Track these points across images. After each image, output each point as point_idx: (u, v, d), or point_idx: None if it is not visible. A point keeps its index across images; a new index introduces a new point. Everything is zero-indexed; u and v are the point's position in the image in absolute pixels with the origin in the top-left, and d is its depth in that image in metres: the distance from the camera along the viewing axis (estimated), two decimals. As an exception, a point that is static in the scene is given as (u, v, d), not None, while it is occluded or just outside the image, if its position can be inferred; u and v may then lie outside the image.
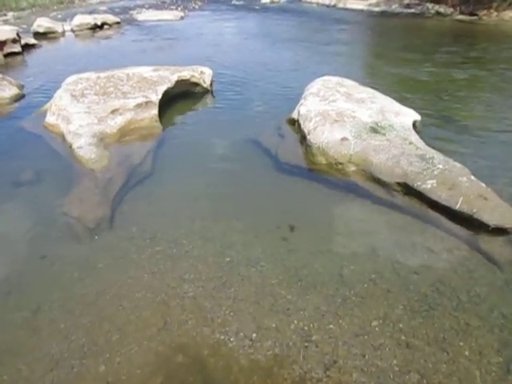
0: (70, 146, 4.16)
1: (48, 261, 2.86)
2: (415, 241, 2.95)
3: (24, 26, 14.18)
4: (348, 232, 3.05)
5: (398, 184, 3.32)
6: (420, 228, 3.08)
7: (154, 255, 2.83)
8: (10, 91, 6.24)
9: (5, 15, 18.65)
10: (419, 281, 2.59)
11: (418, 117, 4.28)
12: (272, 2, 24.29)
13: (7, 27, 12.03)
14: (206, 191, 3.65)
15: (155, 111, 4.82)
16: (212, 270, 2.69)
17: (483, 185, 3.10)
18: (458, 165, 3.33)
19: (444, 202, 3.04)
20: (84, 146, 4.04)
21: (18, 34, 10.42)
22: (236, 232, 3.06)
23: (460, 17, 14.29)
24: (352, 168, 3.60)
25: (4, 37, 9.86)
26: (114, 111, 4.58)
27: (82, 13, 16.81)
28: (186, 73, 5.75)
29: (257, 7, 22.01)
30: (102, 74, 5.39)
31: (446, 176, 3.18)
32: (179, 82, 5.58)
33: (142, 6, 22.64)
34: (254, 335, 2.23)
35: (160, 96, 5.00)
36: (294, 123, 4.52)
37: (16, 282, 2.68)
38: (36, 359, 2.16)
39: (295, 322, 2.30)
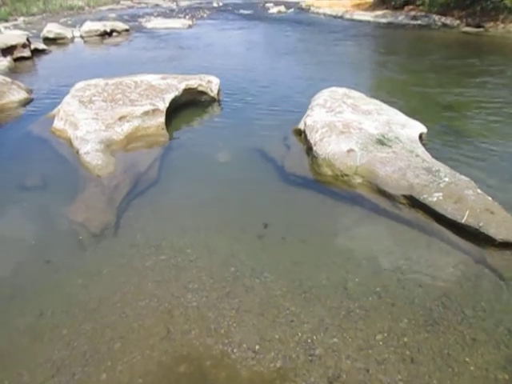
0: (77, 152, 4.18)
1: (52, 266, 2.87)
2: (420, 254, 2.93)
3: (34, 31, 14.36)
4: (353, 244, 3.03)
5: (404, 196, 3.31)
6: (425, 241, 3.06)
7: (158, 263, 2.83)
8: (19, 95, 6.30)
9: (15, 20, 18.90)
10: (424, 294, 2.57)
11: (424, 129, 4.28)
12: (279, 12, 24.51)
13: (17, 32, 12.22)
14: (211, 200, 3.65)
15: (162, 119, 4.85)
16: (216, 279, 2.68)
17: (490, 198, 3.09)
18: (465, 178, 3.32)
19: (450, 216, 3.03)
20: (91, 152, 4.06)
21: (27, 39, 10.55)
22: (240, 242, 3.05)
23: (466, 29, 14.33)
24: (358, 180, 3.60)
25: (14, 41, 9.98)
26: (121, 118, 4.61)
27: (92, 19, 16.98)
28: (193, 81, 5.78)
29: (264, 17, 22.17)
30: (111, 81, 5.44)
31: (452, 189, 3.17)
32: (186, 91, 5.61)
33: (150, 14, 22.87)
34: (258, 347, 2.21)
35: (167, 104, 5.03)
36: (300, 134, 4.53)
37: (20, 287, 2.68)
38: (38, 365, 2.15)
39: (299, 334, 2.28)
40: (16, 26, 16.72)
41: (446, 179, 3.27)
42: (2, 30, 14.32)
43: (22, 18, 19.54)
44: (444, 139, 4.74)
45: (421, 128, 4.24)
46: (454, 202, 3.06)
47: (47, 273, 2.80)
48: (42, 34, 13.36)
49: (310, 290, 2.61)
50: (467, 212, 2.96)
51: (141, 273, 2.75)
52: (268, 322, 2.37)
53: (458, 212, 3.00)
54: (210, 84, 6.04)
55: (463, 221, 2.95)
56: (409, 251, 2.96)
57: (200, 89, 5.91)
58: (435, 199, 3.12)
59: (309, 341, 2.25)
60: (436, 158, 3.68)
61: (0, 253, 3.02)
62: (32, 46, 10.70)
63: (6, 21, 18.06)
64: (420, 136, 4.13)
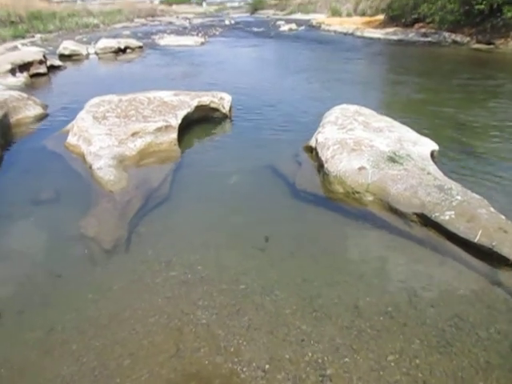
0: (90, 167, 4.24)
1: (63, 280, 2.88)
2: (433, 273, 2.89)
3: (50, 48, 14.68)
4: (364, 262, 3.01)
5: (416, 215, 3.29)
6: (438, 260, 3.02)
7: (168, 280, 2.83)
8: (35, 110, 6.43)
9: (33, 37, 19.38)
10: (436, 315, 2.53)
11: (435, 146, 4.26)
12: (290, 30, 24.83)
13: (34, 49, 12.51)
14: (222, 217, 3.66)
15: (174, 135, 4.90)
16: (226, 297, 2.67)
17: (503, 217, 3.05)
18: (477, 196, 3.29)
19: (462, 235, 2.99)
20: (103, 168, 4.10)
21: (44, 56, 10.80)
22: (251, 259, 3.05)
23: (477, 45, 14.36)
24: (369, 197, 3.59)
25: (31, 58, 10.22)
26: (134, 134, 4.67)
27: (107, 37, 17.36)
28: (205, 98, 5.85)
29: (275, 34, 22.44)
30: (124, 97, 5.52)
31: (464, 207, 3.14)
32: (199, 107, 5.68)
33: (163, 32, 23.31)
34: (267, 366, 2.19)
35: (180, 120, 5.08)
36: (311, 151, 4.54)
37: (31, 301, 2.69)
38: (47, 380, 2.15)
39: (309, 354, 2.26)
40: (33, 43, 17.14)
41: (459, 197, 3.24)
42: (20, 46, 14.67)
43: (38, 35, 20.03)
44: (456, 157, 4.71)
45: (432, 145, 4.22)
46: (466, 220, 3.03)
47: (58, 287, 2.82)
48: (57, 51, 13.68)
49: (321, 309, 2.58)
50: (480, 231, 2.93)
51: (151, 289, 2.75)
52: (278, 340, 2.35)
53: (471, 231, 2.96)
54: (222, 101, 6.10)
55: (476, 240, 2.91)
56: (420, 270, 2.93)
57: (212, 105, 5.98)
58: (447, 218, 3.09)
59: (319, 361, 2.22)
60: (448, 176, 3.66)
61: (12, 266, 3.04)
62: (48, 63, 10.94)
63: (24, 38, 18.53)
64: (432, 153, 4.11)
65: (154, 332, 2.41)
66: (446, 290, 2.73)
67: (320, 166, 4.13)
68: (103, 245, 3.15)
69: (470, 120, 6.09)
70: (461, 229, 3.01)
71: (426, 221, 3.24)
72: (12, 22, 19.89)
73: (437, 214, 3.14)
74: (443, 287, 2.76)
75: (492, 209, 3.13)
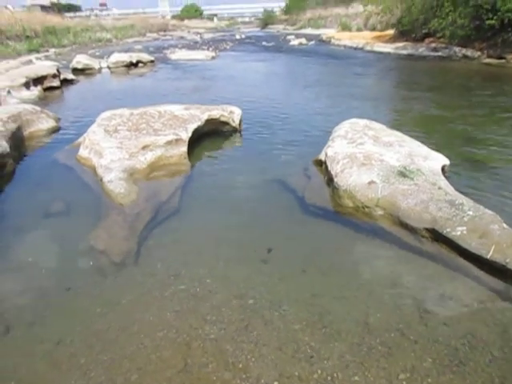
0: (101, 180, 4.27)
1: (72, 293, 2.89)
2: (444, 290, 2.85)
3: (64, 62, 14.95)
4: (374, 278, 2.98)
5: (427, 230, 3.25)
6: (449, 276, 2.98)
7: (177, 293, 2.82)
8: (48, 124, 6.53)
9: (47, 51, 19.79)
10: (449, 333, 2.48)
11: (446, 161, 4.23)
12: (300, 44, 25.07)
13: (48, 63, 12.76)
14: (231, 231, 3.65)
15: (184, 149, 4.93)
16: (235, 311, 2.65)
17: (516, 234, 3.00)
18: (489, 212, 3.25)
19: (475, 251, 2.95)
20: (114, 181, 4.13)
21: (57, 70, 11.01)
22: (260, 274, 3.03)
23: (488, 60, 14.33)
24: (379, 212, 3.56)
25: (45, 72, 10.42)
26: (144, 147, 4.70)
27: (119, 51, 17.65)
28: (215, 112, 5.89)
29: (285, 49, 22.65)
30: (135, 111, 5.59)
31: (476, 223, 3.10)
32: (209, 121, 5.72)
33: (175, 46, 23.64)
34: (276, 383, 2.16)
35: (190, 134, 5.12)
36: (321, 165, 4.54)
37: (40, 314, 2.70)
38: (55, 395, 2.14)
39: (319, 371, 2.22)
40: (47, 57, 17.49)
41: (470, 213, 3.20)
42: (34, 60, 14.97)
43: (52, 50, 20.44)
44: (467, 172, 4.68)
45: (443, 160, 4.20)
46: (478, 236, 2.99)
47: (67, 300, 2.82)
48: (71, 65, 13.94)
49: (331, 325, 2.55)
50: (493, 247, 2.88)
51: (160, 302, 2.74)
52: (287, 357, 2.32)
53: (483, 247, 2.92)
54: (232, 114, 6.14)
55: (489, 256, 2.87)
56: (432, 286, 2.89)
57: (222, 119, 6.02)
58: (459, 233, 3.05)
59: (329, 378, 2.18)
60: (459, 191, 3.63)
61: (23, 279, 3.05)
62: (61, 76, 11.15)
63: (38, 52, 18.92)
64: (443, 168, 4.09)
65: (163, 346, 2.40)
66: (458, 307, 2.69)
67: (329, 180, 4.12)
68: (113, 257, 3.16)
69: (482, 135, 6.06)
70: (473, 245, 2.97)
71: (437, 236, 3.20)
72: (27, 37, 20.35)
73: (448, 230, 3.11)
74: (455, 304, 2.72)
75: (505, 225, 3.08)
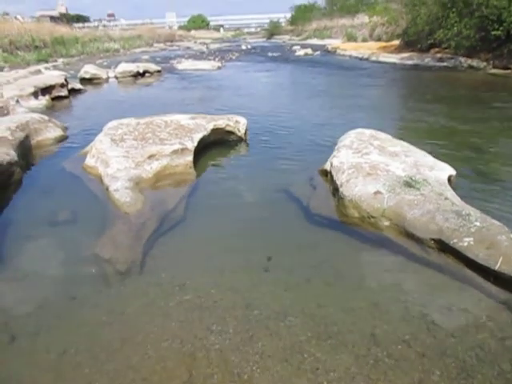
0: (107, 189, 4.29)
1: (77, 302, 2.88)
2: (451, 301, 2.82)
3: (72, 72, 15.11)
4: (380, 289, 2.95)
5: (433, 240, 3.23)
6: (456, 288, 2.95)
7: (182, 303, 2.81)
8: (55, 133, 6.58)
9: (55, 61, 20.03)
10: (456, 345, 2.45)
11: (453, 171, 4.21)
12: (306, 55, 25.20)
13: (56, 72, 12.91)
14: (236, 240, 3.65)
15: (190, 158, 4.95)
16: (240, 322, 2.64)
17: (524, 245, 2.97)
18: (497, 223, 3.22)
19: (482, 262, 2.92)
20: (120, 189, 4.15)
21: (65, 79, 11.14)
22: (265, 284, 3.01)
23: (494, 71, 14.31)
24: (385, 222, 3.54)
25: (53, 81, 10.54)
26: (150, 156, 4.73)
27: (126, 61, 17.83)
28: (221, 122, 5.92)
29: (291, 59, 22.76)
30: (142, 120, 5.62)
31: (483, 234, 3.07)
32: (214, 130, 5.74)
33: (181, 56, 23.85)
34: (281, 395, 2.14)
35: (196, 143, 5.14)
36: (326, 175, 4.53)
37: (45, 323, 2.69)
38: (59, 405, 2.13)
39: (324, 383, 2.20)
40: (55, 67, 17.70)
41: (477, 223, 3.18)
42: (43, 70, 15.14)
43: (61, 60, 20.69)
44: (474, 182, 4.65)
45: (450, 170, 4.18)
46: (486, 247, 2.97)
47: (72, 309, 2.82)
48: (79, 75, 14.09)
49: (336, 336, 2.53)
50: (501, 258, 2.86)
51: (164, 313, 2.73)
52: (292, 368, 2.30)
53: (491, 258, 2.89)
54: (238, 124, 6.16)
55: (496, 268, 2.84)
56: (439, 297, 2.86)
57: (228, 129, 6.04)
58: (466, 244, 3.03)
59: (335, 391, 2.16)
60: (466, 202, 3.60)
61: (29, 287, 3.06)
62: (69, 86, 11.27)
63: (47, 62, 19.15)
64: (449, 179, 4.07)
65: (167, 357, 2.38)
66: (465, 319, 2.65)
67: (335, 190, 4.11)
68: (118, 267, 3.16)
69: (489, 146, 6.03)
70: (480, 256, 2.94)
71: (443, 247, 3.18)
72: (36, 47, 20.61)
73: (455, 241, 3.08)
74: (463, 315, 2.69)
75: (513, 236, 3.06)
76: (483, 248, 2.97)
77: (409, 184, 3.73)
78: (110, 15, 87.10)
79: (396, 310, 2.74)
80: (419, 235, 3.29)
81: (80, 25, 47.79)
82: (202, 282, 3.04)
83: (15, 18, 28.77)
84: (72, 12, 71.97)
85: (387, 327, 2.59)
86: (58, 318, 2.74)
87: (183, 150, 4.95)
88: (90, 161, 5.03)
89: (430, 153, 4.57)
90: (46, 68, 16.57)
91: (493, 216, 3.34)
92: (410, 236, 3.36)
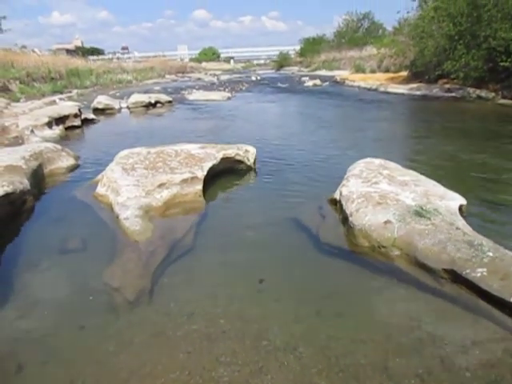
0: (117, 217, 4.31)
1: (86, 332, 2.86)
2: (466, 334, 2.75)
3: (85, 102, 15.46)
4: (392, 320, 2.90)
5: (445, 271, 3.18)
6: (471, 319, 2.88)
7: (190, 333, 2.77)
8: (67, 162, 6.70)
9: (70, 92, 20.56)
10: (472, 380, 2.37)
11: (463, 201, 4.18)
12: (315, 86, 25.58)
13: (70, 103, 13.24)
14: (245, 269, 3.62)
15: (200, 187, 4.98)
16: (249, 353, 2.59)
17: (539, 276, 2.91)
18: (510, 253, 3.17)
19: (496, 293, 2.86)
20: (130, 218, 4.18)
21: (79, 110, 11.40)
22: (274, 314, 2.97)
23: (502, 101, 14.35)
24: (396, 252, 3.51)
25: (67, 112, 10.79)
26: (160, 185, 4.77)
27: (138, 92, 18.23)
28: (230, 151, 5.98)
29: (300, 90, 23.10)
30: (152, 150, 5.70)
31: (497, 264, 3.02)
32: (224, 159, 5.80)
33: (192, 87, 24.33)
34: (291, 430, 2.08)
35: (205, 172, 5.19)
36: (335, 204, 4.52)
37: (53, 352, 2.67)
38: None
39: (335, 418, 2.14)
40: (70, 98, 18.14)
41: (490, 254, 3.13)
42: (57, 101, 15.53)
43: (75, 91, 21.22)
44: (485, 212, 4.61)
45: (460, 200, 4.15)
46: (500, 278, 2.91)
47: (80, 339, 2.80)
48: (92, 105, 14.42)
49: (348, 369, 2.47)
50: (515, 290, 2.80)
51: (173, 343, 2.70)
52: (302, 402, 2.24)
53: (505, 289, 2.83)
54: (247, 153, 6.22)
55: (511, 299, 2.78)
56: (452, 330, 2.79)
57: (237, 158, 6.10)
58: (479, 275, 2.98)
59: (346, 426, 2.10)
60: (477, 232, 3.56)
61: (36, 316, 3.05)
62: (82, 116, 11.53)
63: (61, 93, 19.66)
64: (460, 208, 4.04)
65: (175, 389, 2.34)
66: (481, 353, 2.58)
67: (344, 219, 4.09)
68: (127, 296, 3.15)
69: (499, 176, 6.00)
70: (494, 287, 2.88)
71: (456, 277, 3.12)
72: (52, 79, 21.20)
73: (468, 271, 3.03)
74: (478, 349, 2.61)
75: (526, 267, 3.00)
76: (497, 279, 2.91)
77: (419, 213, 3.71)
78: (123, 48, 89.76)
79: (409, 343, 2.68)
80: (431, 265, 3.24)
81: (94, 57, 49.22)
82: (211, 311, 3.01)
83: (33, 50, 29.72)
84: (87, 45, 74.36)
85: (400, 360, 2.53)
86: (65, 347, 2.72)
87: (193, 179, 4.99)
88: (101, 189, 5.09)
89: (439, 182, 4.55)
90: (61, 99, 16.99)
91: (505, 246, 3.29)
92: (422, 266, 3.31)
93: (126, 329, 2.86)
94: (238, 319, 2.92)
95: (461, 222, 3.67)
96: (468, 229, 3.57)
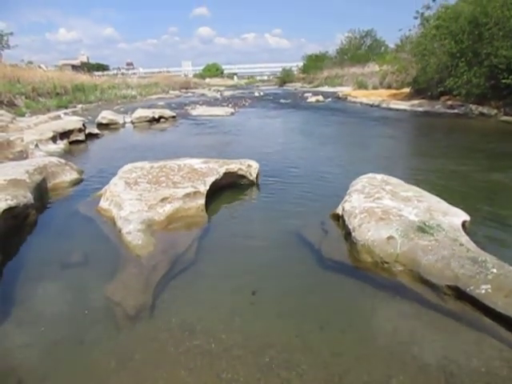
0: (120, 231, 4.31)
1: (86, 347, 2.84)
2: (470, 351, 2.71)
3: (90, 117, 15.59)
4: (395, 337, 2.86)
5: (449, 287, 3.15)
6: (474, 337, 2.85)
7: (191, 349, 2.74)
8: (71, 176, 6.73)
9: (74, 107, 20.73)
10: (477, 400, 2.34)
11: (467, 217, 4.16)
12: (317, 102, 25.72)
13: (75, 118, 13.33)
14: (247, 284, 3.59)
15: (202, 201, 4.99)
16: (250, 370, 2.56)
17: (544, 293, 2.88)
18: (514, 270, 3.15)
19: (501, 310, 2.83)
20: (132, 232, 4.17)
21: (83, 124, 11.50)
22: (276, 330, 2.94)
23: (505, 118, 14.39)
24: (399, 268, 3.49)
25: (72, 126, 10.89)
26: (163, 199, 4.78)
27: (142, 107, 18.36)
28: (233, 166, 6.00)
29: (303, 106, 23.24)
30: (156, 164, 5.73)
31: (501, 281, 3.00)
32: (227, 174, 5.82)
33: (196, 103, 24.52)
34: None
35: (208, 187, 5.19)
36: (338, 219, 4.51)
37: (53, 368, 2.65)
38: None
39: None
40: (74, 113, 18.30)
41: (494, 270, 3.11)
42: (62, 115, 15.66)
43: (80, 106, 21.41)
44: (489, 228, 4.58)
45: (464, 216, 4.13)
46: (504, 295, 2.88)
47: (80, 354, 2.77)
48: (96, 120, 14.54)
49: (350, 387, 2.43)
50: (520, 307, 2.77)
51: (173, 359, 2.67)
52: (305, 421, 2.21)
53: (510, 307, 2.80)
54: (250, 168, 6.24)
55: (516, 317, 2.75)
56: (457, 347, 2.76)
57: (240, 172, 6.11)
58: (483, 291, 2.95)
59: None
60: (481, 248, 3.54)
61: (36, 331, 3.02)
62: (87, 131, 11.62)
63: (66, 108, 19.82)
64: (463, 224, 4.02)
65: (175, 406, 2.31)
66: (486, 371, 2.54)
67: (347, 235, 4.08)
68: (128, 310, 3.13)
69: (501, 192, 5.99)
70: (499, 304, 2.85)
71: (460, 294, 3.09)
72: (57, 94, 21.41)
73: (472, 288, 3.01)
74: (483, 367, 2.57)
75: (531, 283, 2.97)
76: (502, 296, 2.89)
77: (422, 229, 3.69)
78: (128, 64, 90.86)
79: (412, 360, 2.64)
80: (434, 281, 3.22)
81: (100, 73, 49.78)
82: (213, 326, 2.98)
83: (39, 66, 30.08)
84: (93, 61, 75.35)
85: (404, 378, 2.49)
86: (65, 363, 2.69)
87: (195, 194, 5.00)
88: (103, 203, 5.10)
89: (442, 198, 4.54)
90: (66, 113, 17.13)
91: (510, 263, 3.27)
92: (425, 282, 3.29)
93: (126, 344, 2.83)
94: (240, 335, 2.90)
95: (464, 238, 3.65)
96: (471, 245, 3.55)
